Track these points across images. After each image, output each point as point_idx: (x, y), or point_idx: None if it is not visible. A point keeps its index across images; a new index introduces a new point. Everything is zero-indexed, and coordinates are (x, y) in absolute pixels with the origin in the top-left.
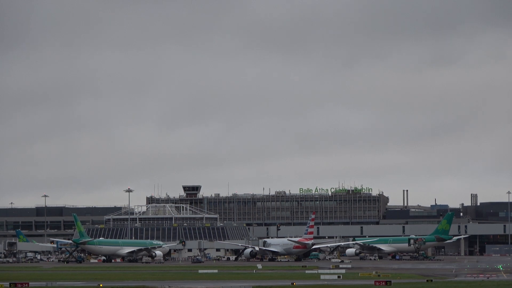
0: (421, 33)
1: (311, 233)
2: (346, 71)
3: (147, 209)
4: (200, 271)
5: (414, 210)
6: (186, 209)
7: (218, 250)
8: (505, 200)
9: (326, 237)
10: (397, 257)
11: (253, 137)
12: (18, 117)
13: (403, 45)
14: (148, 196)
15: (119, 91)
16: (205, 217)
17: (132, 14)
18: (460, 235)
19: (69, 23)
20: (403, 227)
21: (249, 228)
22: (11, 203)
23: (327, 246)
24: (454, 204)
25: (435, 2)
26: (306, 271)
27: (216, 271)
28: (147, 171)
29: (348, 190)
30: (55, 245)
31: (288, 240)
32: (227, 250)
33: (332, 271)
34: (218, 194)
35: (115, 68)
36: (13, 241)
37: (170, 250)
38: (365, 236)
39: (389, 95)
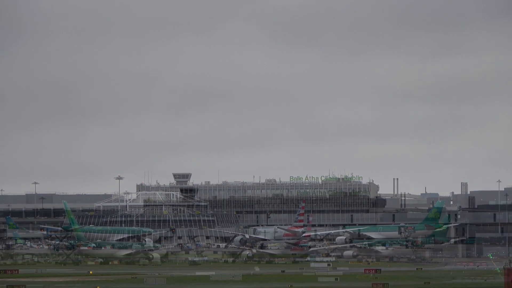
0: (428, 23)
1: (301, 221)
2: (350, 61)
3: (137, 196)
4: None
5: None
6: (176, 197)
7: (208, 237)
8: (496, 188)
9: (316, 225)
10: (387, 245)
11: (247, 126)
12: (16, 106)
13: (409, 35)
14: (138, 184)
15: (122, 80)
16: (195, 205)
17: (142, 2)
18: (450, 224)
19: (79, 11)
20: (393, 215)
21: (239, 216)
22: (1, 190)
23: (316, 234)
24: (444, 192)
25: None
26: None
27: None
28: (137, 159)
29: (339, 178)
30: (45, 232)
31: (278, 228)
32: (217, 237)
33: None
34: (209, 182)
35: (120, 56)
36: (3, 228)
37: (160, 237)
38: (355, 224)
39: (388, 86)
